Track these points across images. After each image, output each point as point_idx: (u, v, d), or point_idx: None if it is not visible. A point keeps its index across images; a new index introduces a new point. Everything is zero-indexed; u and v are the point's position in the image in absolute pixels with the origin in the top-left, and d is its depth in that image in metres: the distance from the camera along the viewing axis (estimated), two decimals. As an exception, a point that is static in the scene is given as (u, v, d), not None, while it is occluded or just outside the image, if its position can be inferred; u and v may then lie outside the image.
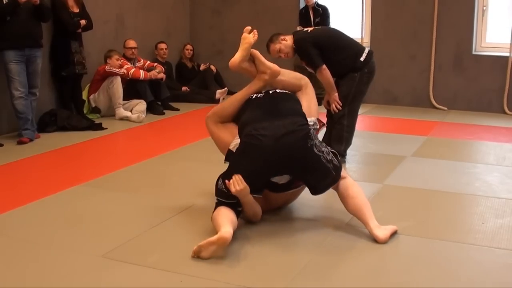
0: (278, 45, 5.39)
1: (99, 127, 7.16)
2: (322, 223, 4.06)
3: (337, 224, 4.02)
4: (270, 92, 4.14)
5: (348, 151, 5.66)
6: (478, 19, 8.29)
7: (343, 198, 3.91)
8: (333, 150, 4.00)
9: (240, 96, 4.18)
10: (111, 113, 7.82)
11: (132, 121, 7.59)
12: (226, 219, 3.63)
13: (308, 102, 4.21)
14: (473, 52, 8.32)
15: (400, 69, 8.65)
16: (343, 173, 3.95)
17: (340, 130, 5.46)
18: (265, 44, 5.41)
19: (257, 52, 4.21)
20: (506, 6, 8.15)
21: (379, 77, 8.70)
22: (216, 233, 3.49)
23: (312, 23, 8.59)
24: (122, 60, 7.96)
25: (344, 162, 5.61)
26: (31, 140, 6.49)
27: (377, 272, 3.35)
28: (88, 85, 7.85)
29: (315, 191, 3.93)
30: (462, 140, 6.61)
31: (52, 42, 7.28)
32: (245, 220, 4.00)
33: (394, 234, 3.80)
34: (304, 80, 4.34)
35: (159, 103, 8.30)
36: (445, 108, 8.41)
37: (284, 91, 4.16)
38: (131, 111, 7.82)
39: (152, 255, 3.56)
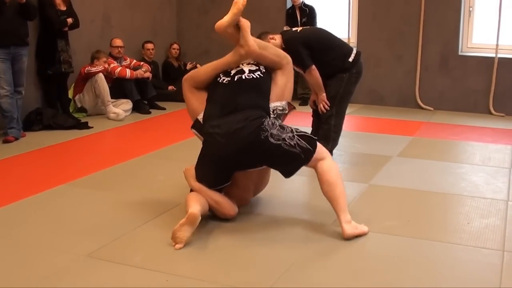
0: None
1: (85, 126, 7.14)
2: (307, 224, 4.06)
3: (322, 224, 4.02)
4: (242, 76, 4.11)
5: (334, 151, 5.66)
6: (465, 20, 8.33)
7: (320, 181, 3.92)
8: (305, 133, 3.98)
9: (215, 65, 4.22)
10: (97, 112, 7.80)
11: (112, 119, 7.58)
12: (193, 201, 3.83)
13: (284, 83, 4.23)
14: (460, 53, 8.36)
15: (386, 69, 8.68)
16: (322, 154, 3.94)
17: (328, 130, 5.47)
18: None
19: (245, 24, 4.24)
20: (493, 7, 8.19)
21: (366, 77, 8.70)
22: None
23: (299, 23, 8.60)
24: (109, 61, 7.94)
25: None
26: (16, 138, 6.46)
27: (362, 272, 3.35)
28: (73, 84, 7.81)
29: (284, 174, 4.00)
30: (448, 140, 6.64)
31: (38, 41, 7.24)
32: (223, 217, 4.03)
33: (362, 235, 3.80)
34: (286, 59, 4.33)
35: (146, 102, 8.28)
36: (431, 109, 8.44)
37: (254, 76, 4.14)
38: (118, 109, 7.81)
39: (137, 255, 3.55)
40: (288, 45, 5.33)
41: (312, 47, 5.33)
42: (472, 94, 8.29)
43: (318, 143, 3.97)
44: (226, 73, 4.18)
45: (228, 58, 4.24)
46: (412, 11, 8.40)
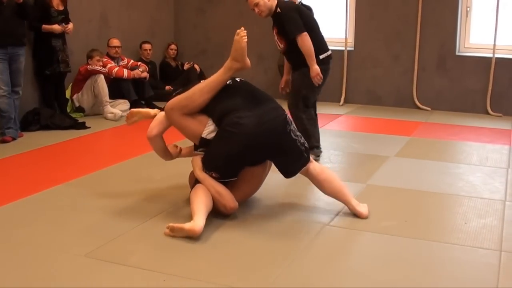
0: None
1: (82, 126, 7.13)
2: (304, 224, 4.06)
3: (319, 225, 4.02)
4: (238, 80, 4.18)
5: (332, 151, 5.67)
6: (462, 20, 8.34)
7: (318, 182, 4.12)
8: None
9: (210, 87, 4.07)
10: (95, 112, 7.80)
11: (109, 119, 7.58)
12: (201, 205, 3.84)
13: None
14: (457, 53, 8.37)
15: (383, 69, 8.69)
16: (311, 157, 4.16)
17: (302, 125, 5.41)
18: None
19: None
20: (490, 7, 8.20)
21: (363, 77, 8.77)
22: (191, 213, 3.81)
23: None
24: (105, 59, 7.94)
25: (321, 153, 5.65)
26: (14, 139, 6.46)
27: (359, 272, 3.35)
28: (70, 84, 7.81)
29: (287, 173, 4.15)
30: (446, 140, 6.65)
31: (35, 41, 7.23)
32: (224, 209, 4.03)
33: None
34: None
35: (143, 102, 8.27)
36: (429, 109, 8.45)
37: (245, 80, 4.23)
38: (115, 109, 7.80)
39: (135, 255, 3.55)
40: (283, 9, 5.31)
41: (303, 23, 5.32)
42: (470, 94, 8.30)
43: None
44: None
45: (220, 75, 4.10)
46: (409, 11, 8.41)
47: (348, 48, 8.76)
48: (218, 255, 3.56)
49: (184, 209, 4.23)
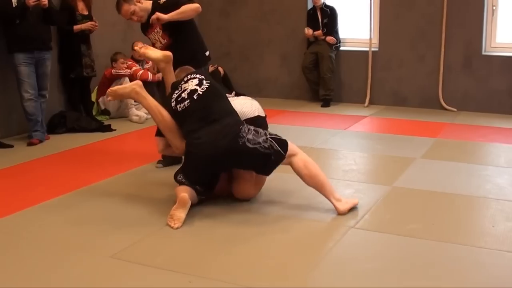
0: (133, 6, 5.22)
1: (108, 128, 7.19)
2: (329, 226, 4.05)
3: (344, 228, 4.01)
4: (199, 93, 4.35)
5: (357, 153, 5.64)
6: (488, 19, 8.24)
7: (301, 176, 4.30)
8: (276, 135, 4.30)
9: (159, 109, 4.50)
10: (120, 115, 7.85)
11: (134, 122, 7.63)
12: (181, 190, 4.19)
13: None
14: (483, 53, 8.28)
15: (408, 69, 8.62)
16: (293, 150, 4.30)
17: None
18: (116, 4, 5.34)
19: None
20: (516, 6, 8.11)
21: (388, 78, 8.72)
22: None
23: (320, 24, 8.59)
24: (129, 62, 7.98)
25: None
26: (40, 141, 6.53)
27: (385, 274, 3.33)
28: (96, 87, 7.87)
29: (263, 173, 4.39)
30: (472, 141, 6.58)
31: (61, 45, 7.30)
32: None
33: (354, 208, 4.29)
34: None
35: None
36: (455, 110, 8.37)
37: (206, 86, 4.39)
38: (139, 112, 7.84)
39: (160, 256, 3.57)
40: None
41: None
42: (496, 95, 8.20)
43: (288, 142, 4.28)
44: (179, 100, 4.38)
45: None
46: (434, 10, 8.34)
47: (372, 49, 8.71)
48: (242, 257, 3.56)
49: (210, 209, 4.25)
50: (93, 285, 3.24)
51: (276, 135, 4.30)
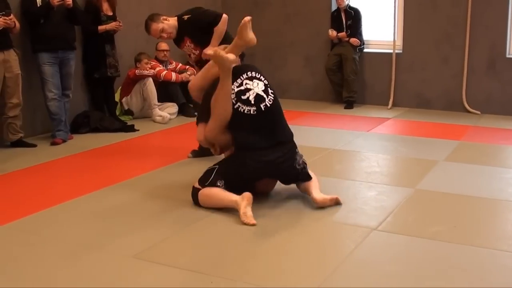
0: (161, 24, 5.41)
1: (131, 128, 7.22)
2: (351, 228, 4.04)
3: (366, 230, 4.00)
4: (267, 104, 4.35)
5: (380, 155, 5.61)
6: (513, 21, 8.18)
7: (305, 191, 4.50)
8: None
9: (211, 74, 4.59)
10: (143, 115, 7.89)
11: (157, 122, 7.66)
12: (225, 192, 4.25)
13: None
14: (507, 55, 8.20)
15: (432, 72, 8.57)
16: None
17: None
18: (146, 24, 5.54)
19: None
20: (542, 8, 8.03)
21: (411, 80, 8.67)
22: (218, 207, 4.27)
23: (344, 26, 8.57)
24: (153, 63, 8.02)
25: None
26: (64, 141, 6.58)
27: (407, 276, 3.32)
28: (120, 88, 7.92)
29: (285, 184, 4.65)
30: (496, 144, 6.52)
31: (85, 45, 7.36)
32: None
33: (336, 203, 4.39)
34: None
35: (191, 105, 8.33)
36: (478, 112, 8.30)
37: (273, 99, 4.42)
38: (163, 112, 7.88)
39: (183, 256, 3.59)
40: (189, 13, 5.45)
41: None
42: (521, 98, 8.13)
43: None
44: (243, 99, 4.31)
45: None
46: (458, 13, 8.28)
47: (396, 51, 8.67)
48: (263, 258, 3.57)
49: (230, 210, 4.26)
50: (115, 285, 3.26)
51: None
